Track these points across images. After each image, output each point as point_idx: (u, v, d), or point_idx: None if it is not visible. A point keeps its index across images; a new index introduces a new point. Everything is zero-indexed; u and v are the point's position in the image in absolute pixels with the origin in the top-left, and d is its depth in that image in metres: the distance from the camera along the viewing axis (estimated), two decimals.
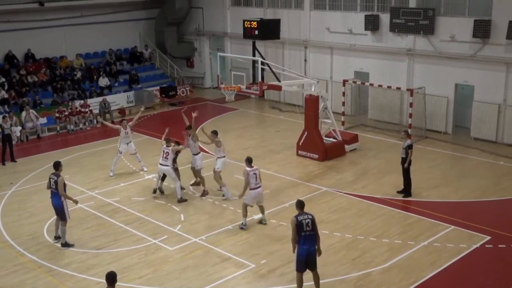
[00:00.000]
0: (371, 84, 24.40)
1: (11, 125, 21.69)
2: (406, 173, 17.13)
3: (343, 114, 24.65)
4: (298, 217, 11.38)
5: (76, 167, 20.46)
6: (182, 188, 17.41)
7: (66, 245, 14.29)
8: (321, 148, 20.57)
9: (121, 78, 30.91)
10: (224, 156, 17.37)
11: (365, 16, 25.25)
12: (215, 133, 17.23)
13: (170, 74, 33.35)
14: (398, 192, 17.27)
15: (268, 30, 26.21)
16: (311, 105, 20.77)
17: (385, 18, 24.83)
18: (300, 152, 21.12)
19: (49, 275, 13.05)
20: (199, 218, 15.98)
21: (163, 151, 16.93)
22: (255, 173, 14.98)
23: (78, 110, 26.14)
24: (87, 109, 26.43)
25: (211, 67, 34.12)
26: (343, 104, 24.67)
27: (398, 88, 23.50)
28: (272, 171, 19.54)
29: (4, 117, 22.10)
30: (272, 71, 24.63)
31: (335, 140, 21.36)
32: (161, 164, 16.99)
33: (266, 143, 23.08)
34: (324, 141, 21.05)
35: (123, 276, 12.83)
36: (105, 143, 23.61)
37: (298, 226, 11.27)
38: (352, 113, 26.12)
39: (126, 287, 12.43)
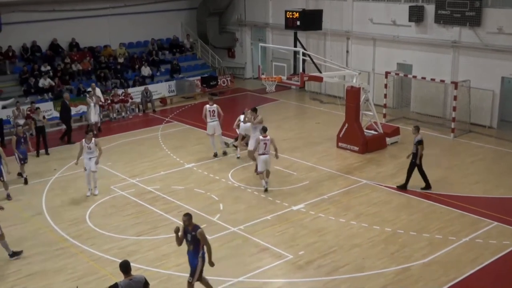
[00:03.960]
0: (414, 77, 24.04)
1: (44, 117, 21.75)
2: (419, 168, 16.88)
3: (384, 106, 24.38)
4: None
5: (117, 155, 20.80)
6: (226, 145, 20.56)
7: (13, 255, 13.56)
8: (361, 140, 20.40)
9: (163, 67, 31.20)
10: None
11: (409, 7, 24.82)
12: (255, 110, 18.83)
13: (211, 64, 33.51)
14: (422, 188, 16.95)
15: (310, 21, 26.04)
16: (352, 97, 20.60)
17: (430, 9, 24.36)
18: (340, 144, 20.99)
19: (90, 260, 13.34)
20: (237, 208, 16.08)
21: (209, 110, 19.67)
22: (265, 142, 16.86)
23: (120, 98, 26.52)
24: (128, 98, 26.77)
25: (252, 58, 34.12)
26: (385, 96, 24.39)
27: (442, 81, 23.07)
28: (311, 163, 19.49)
29: (36, 109, 22.10)
30: (313, 62, 24.45)
31: (376, 133, 21.16)
32: (210, 122, 19.73)
33: (305, 134, 23.02)
34: (365, 133, 20.86)
35: (161, 264, 13.03)
36: (146, 131, 23.92)
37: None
38: (394, 106, 25.81)
39: (164, 274, 12.63)
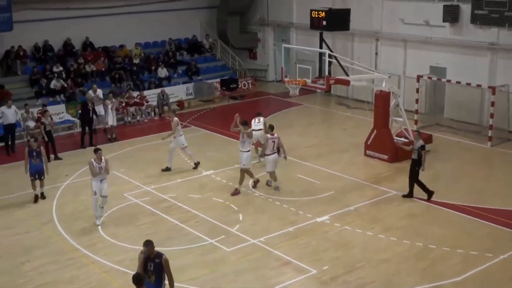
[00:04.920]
0: (448, 81, 23.88)
1: (51, 119, 21.73)
2: (416, 175, 16.95)
3: (416, 112, 24.23)
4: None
5: (131, 160, 20.95)
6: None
7: None
8: (391, 148, 20.30)
9: (180, 69, 31.41)
10: (249, 150, 17.68)
11: (444, 6, 24.69)
12: (245, 123, 17.82)
13: (231, 65, 33.64)
14: (404, 196, 17.16)
15: (337, 20, 26.03)
16: (382, 101, 20.52)
17: (466, 8, 24.19)
18: (368, 152, 20.91)
19: (102, 271, 13.44)
20: (258, 218, 16.09)
21: (255, 119, 19.55)
22: (273, 141, 17.34)
23: (135, 101, 26.69)
24: (143, 101, 26.94)
25: (275, 59, 34.16)
26: (417, 101, 24.24)
27: (479, 85, 22.87)
28: (337, 171, 19.44)
29: (45, 112, 22.05)
30: (340, 65, 24.47)
31: (406, 140, 20.99)
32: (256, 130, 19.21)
33: (331, 141, 22.97)
34: (395, 141, 20.76)
35: (177, 276, 12.94)
36: (162, 136, 24.00)
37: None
38: (426, 112, 25.67)
39: (179, 287, 12.66)
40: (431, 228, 15.33)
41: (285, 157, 17.83)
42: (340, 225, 15.51)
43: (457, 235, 14.92)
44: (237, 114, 18.19)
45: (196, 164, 19.93)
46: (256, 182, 18.15)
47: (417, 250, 14.15)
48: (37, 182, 17.44)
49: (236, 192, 17.61)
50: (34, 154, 17.23)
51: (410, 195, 17.10)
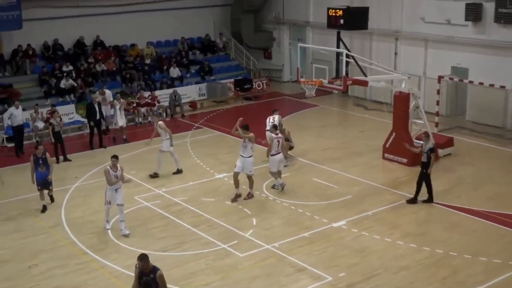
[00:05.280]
0: (471, 82, 23.73)
1: (60, 120, 21.73)
2: (427, 179, 16.92)
3: (437, 114, 24.09)
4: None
5: (142, 162, 21.01)
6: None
7: None
8: (410, 151, 20.16)
9: (193, 68, 31.50)
10: (251, 156, 17.37)
11: (466, 4, 24.54)
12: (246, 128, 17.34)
13: (245, 65, 33.67)
14: (424, 201, 17.07)
15: (355, 19, 25.87)
16: (401, 103, 20.44)
17: (489, 7, 24.04)
18: (386, 155, 20.83)
19: (112, 276, 13.48)
20: (272, 223, 16.06)
21: (269, 118, 19.84)
22: (278, 140, 17.70)
23: (146, 102, 26.77)
24: (155, 101, 27.01)
25: (291, 59, 34.16)
26: (437, 103, 24.09)
27: (502, 87, 22.71)
28: (354, 175, 19.37)
29: (53, 112, 22.06)
30: (358, 65, 24.34)
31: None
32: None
33: (348, 144, 22.91)
34: (415, 144, 20.64)
35: (188, 283, 13.09)
36: (174, 138, 23.85)
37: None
38: (447, 114, 25.58)
39: None
40: (452, 234, 15.23)
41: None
42: (357, 231, 15.45)
43: (480, 242, 14.81)
44: (241, 118, 17.79)
45: (155, 175, 19.49)
46: (237, 197, 17.56)
47: (438, 257, 14.05)
48: (44, 192, 17.19)
49: (250, 196, 17.56)
50: (40, 162, 16.94)
51: (414, 200, 17.10)
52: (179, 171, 19.75)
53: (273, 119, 19.79)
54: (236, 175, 17.43)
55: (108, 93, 25.03)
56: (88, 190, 18.61)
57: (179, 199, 17.75)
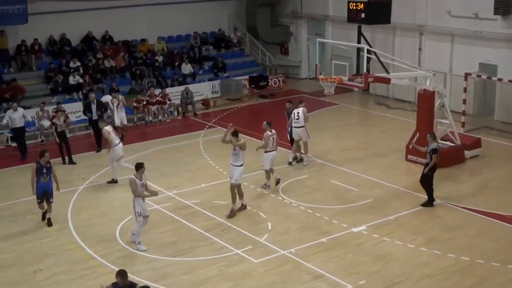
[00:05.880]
0: (500, 79, 23.63)
1: (64, 120, 21.64)
2: (427, 180, 16.90)
3: (463, 114, 24.00)
4: None
5: (152, 163, 21.04)
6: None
7: None
8: None
9: (206, 65, 31.58)
10: (242, 165, 16.75)
11: None
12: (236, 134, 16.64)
13: (261, 61, 33.73)
14: (422, 205, 17.06)
15: (377, 13, 25.95)
16: (425, 102, 20.37)
17: None
18: (409, 156, 20.76)
19: None
20: (288, 227, 16.06)
21: (294, 113, 20.01)
22: (273, 137, 18.20)
23: (157, 99, 26.84)
24: (166, 99, 27.08)
25: (309, 55, 34.18)
26: (464, 102, 24.02)
27: None
28: (376, 178, 19.33)
29: (57, 112, 22.11)
30: (380, 61, 24.38)
31: (453, 145, 20.86)
32: (295, 127, 19.93)
33: (369, 144, 22.86)
34: (440, 145, 20.55)
35: None
36: (186, 137, 24.21)
37: None
38: (474, 113, 25.49)
39: None
40: (479, 241, 15.15)
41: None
42: (378, 236, 15.40)
43: (508, 249, 14.72)
44: (231, 124, 17.07)
45: (114, 181, 19.27)
46: (243, 208, 17.04)
47: (463, 265, 13.99)
48: (44, 204, 16.33)
49: (232, 215, 16.63)
50: (44, 171, 16.08)
51: (430, 202, 17.11)
52: (113, 181, 19.31)
53: (297, 116, 20.01)
54: (234, 186, 16.82)
55: (107, 97, 24.88)
56: (96, 192, 18.72)
57: (191, 202, 17.78)
